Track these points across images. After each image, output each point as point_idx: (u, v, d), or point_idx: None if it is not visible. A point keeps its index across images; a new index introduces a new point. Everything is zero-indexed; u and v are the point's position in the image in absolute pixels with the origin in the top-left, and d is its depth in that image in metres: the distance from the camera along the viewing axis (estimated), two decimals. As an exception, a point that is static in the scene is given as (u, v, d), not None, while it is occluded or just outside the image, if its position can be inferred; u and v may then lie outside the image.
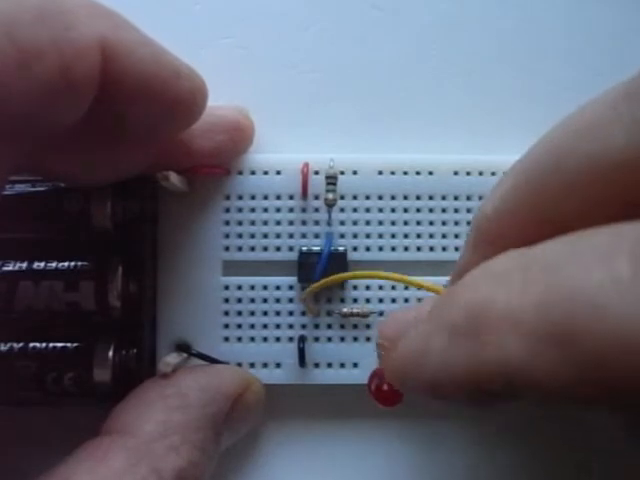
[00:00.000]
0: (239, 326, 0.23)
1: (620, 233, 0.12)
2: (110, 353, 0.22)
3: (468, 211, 0.23)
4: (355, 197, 0.23)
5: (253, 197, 0.23)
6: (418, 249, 0.23)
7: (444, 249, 0.23)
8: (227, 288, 0.23)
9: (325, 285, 0.22)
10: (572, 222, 0.14)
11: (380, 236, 0.23)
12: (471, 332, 0.14)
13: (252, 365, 0.23)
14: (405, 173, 0.23)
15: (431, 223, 0.23)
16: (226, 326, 0.23)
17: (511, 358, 0.13)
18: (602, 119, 0.14)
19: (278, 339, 0.23)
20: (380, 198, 0.23)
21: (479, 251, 0.17)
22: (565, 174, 0.15)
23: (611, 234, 0.13)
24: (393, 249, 0.23)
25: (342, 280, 0.22)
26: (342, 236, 0.23)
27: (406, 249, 0.23)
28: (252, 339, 0.23)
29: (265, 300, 0.23)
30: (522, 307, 0.13)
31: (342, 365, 0.23)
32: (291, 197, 0.23)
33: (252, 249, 0.23)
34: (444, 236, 0.23)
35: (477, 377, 0.14)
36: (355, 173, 0.23)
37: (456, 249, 0.23)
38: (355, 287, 0.23)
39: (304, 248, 0.23)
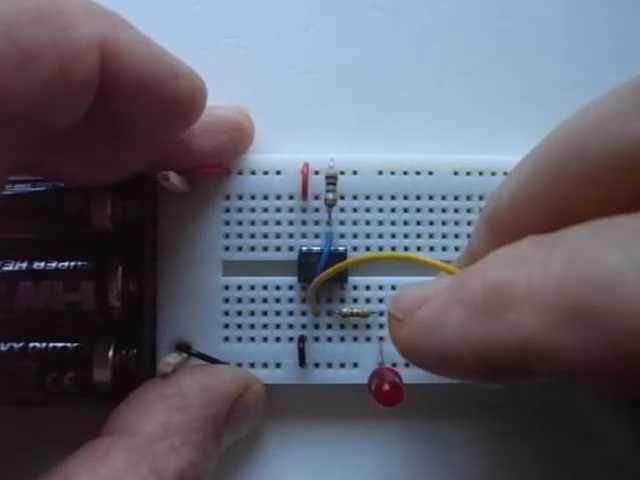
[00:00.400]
0: (239, 326, 0.23)
1: (638, 222, 0.13)
2: (110, 353, 0.22)
3: (468, 211, 0.23)
4: (355, 197, 0.23)
5: (253, 197, 0.23)
6: (418, 249, 0.23)
7: (444, 249, 0.23)
8: (227, 288, 0.23)
9: (327, 277, 0.22)
10: (590, 210, 0.14)
11: (380, 236, 0.23)
12: (492, 307, 0.14)
13: (252, 365, 0.23)
14: (405, 173, 0.23)
15: (431, 223, 0.23)
16: (226, 326, 0.23)
17: (531, 334, 0.13)
18: (625, 107, 0.15)
19: (278, 339, 0.23)
20: (380, 198, 0.23)
21: (493, 239, 0.18)
22: (587, 160, 0.15)
23: (632, 221, 0.13)
24: (393, 249, 0.23)
25: (344, 268, 0.22)
26: (342, 236, 0.23)
27: (406, 249, 0.23)
28: (252, 339, 0.23)
29: (265, 300, 0.23)
30: (543, 286, 0.13)
31: (342, 365, 0.23)
32: (291, 197, 0.23)
33: (252, 249, 0.23)
34: (444, 236, 0.23)
35: (493, 350, 0.14)
36: (355, 173, 0.23)
37: (456, 249, 0.23)
38: (355, 287, 0.23)
39: (304, 248, 0.23)
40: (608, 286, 0.12)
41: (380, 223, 0.23)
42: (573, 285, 0.13)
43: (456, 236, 0.23)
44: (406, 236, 0.23)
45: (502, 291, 0.14)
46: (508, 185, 0.18)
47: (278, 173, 0.23)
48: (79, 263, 0.22)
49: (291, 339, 0.23)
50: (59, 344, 0.22)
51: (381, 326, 0.23)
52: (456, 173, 0.23)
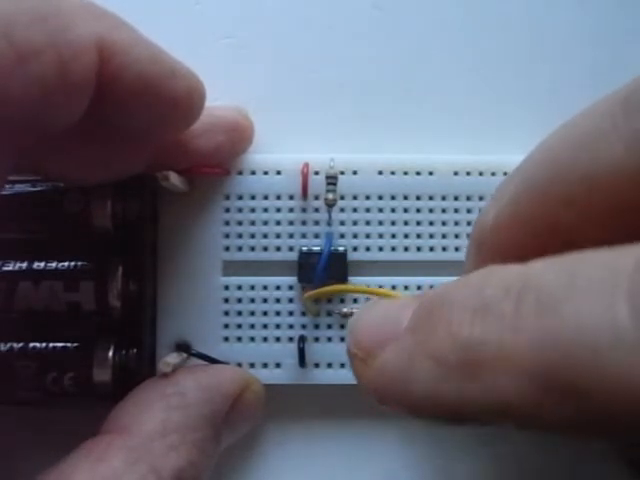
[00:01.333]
0: (239, 326, 0.23)
1: (618, 264, 0.12)
2: (110, 353, 0.22)
3: (468, 211, 0.23)
4: (355, 197, 0.23)
5: (253, 197, 0.23)
6: (418, 249, 0.23)
7: (444, 249, 0.23)
8: (227, 288, 0.23)
9: (323, 294, 0.22)
10: (571, 233, 0.14)
11: (380, 236, 0.23)
12: (464, 368, 0.13)
13: (252, 365, 0.23)
14: (405, 173, 0.23)
15: (431, 223, 0.23)
16: (226, 326, 0.23)
17: (506, 399, 0.13)
18: (600, 129, 0.14)
19: (278, 339, 0.23)
20: (380, 198, 0.23)
21: (481, 262, 0.17)
22: (564, 186, 0.15)
23: (609, 264, 0.12)
24: (393, 249, 0.23)
25: (339, 292, 0.22)
26: (342, 236, 0.23)
27: (406, 249, 0.23)
28: (252, 339, 0.23)
29: (265, 300, 0.23)
30: (516, 347, 0.12)
31: (342, 365, 0.23)
32: (291, 197, 0.23)
33: (252, 249, 0.23)
34: (444, 236, 0.23)
35: (467, 410, 0.14)
36: (355, 173, 0.23)
37: (456, 249, 0.23)
38: (355, 287, 0.23)
39: (304, 248, 0.23)
40: (585, 354, 0.11)
41: (380, 223, 0.23)
42: (546, 351, 0.12)
43: (456, 236, 0.23)
44: (406, 236, 0.23)
45: (473, 353, 0.13)
46: (492, 206, 0.17)
47: (278, 173, 0.23)
48: (79, 263, 0.22)
49: (291, 339, 0.23)
50: (59, 344, 0.22)
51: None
52: (456, 173, 0.23)
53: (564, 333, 0.12)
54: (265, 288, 0.23)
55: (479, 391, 0.13)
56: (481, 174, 0.23)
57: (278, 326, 0.23)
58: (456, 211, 0.23)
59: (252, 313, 0.23)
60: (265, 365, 0.23)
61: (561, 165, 0.15)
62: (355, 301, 0.23)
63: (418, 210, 0.23)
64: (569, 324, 0.12)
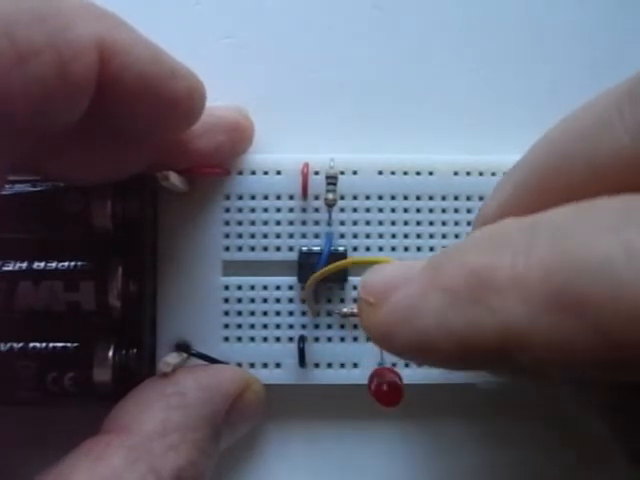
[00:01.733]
0: (239, 326, 0.23)
1: (631, 203, 0.12)
2: (110, 353, 0.22)
3: (468, 211, 0.23)
4: (355, 197, 0.23)
5: (253, 197, 0.23)
6: (418, 249, 0.23)
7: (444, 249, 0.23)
8: (227, 288, 0.23)
9: (323, 275, 0.22)
10: None
11: (380, 236, 0.23)
12: (474, 294, 0.14)
13: (252, 365, 0.23)
14: (405, 173, 0.23)
15: (431, 223, 0.23)
16: (226, 326, 0.23)
17: (514, 322, 0.13)
18: (605, 120, 0.14)
19: (278, 339, 0.23)
20: (380, 198, 0.23)
21: None
22: (568, 176, 0.15)
23: (622, 203, 0.13)
24: (393, 249, 0.23)
25: (342, 268, 0.22)
26: (342, 236, 0.23)
27: (406, 249, 0.23)
28: (252, 339, 0.23)
29: (265, 300, 0.23)
30: (528, 272, 0.13)
31: (342, 365, 0.23)
32: (291, 197, 0.23)
33: (252, 249, 0.23)
34: (444, 236, 0.23)
35: (474, 338, 0.14)
36: (355, 173, 0.23)
37: (456, 249, 0.23)
38: (355, 287, 0.23)
39: (304, 248, 0.23)
40: (597, 272, 0.12)
41: (380, 223, 0.23)
42: (560, 271, 0.12)
43: (456, 236, 0.23)
44: (406, 236, 0.23)
45: (484, 277, 0.14)
46: (495, 196, 0.17)
47: (278, 173, 0.23)
48: (79, 263, 0.22)
49: (291, 339, 0.23)
50: (59, 344, 0.22)
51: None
52: (456, 173, 0.23)
53: (578, 253, 0.12)
54: (265, 288, 0.23)
55: (488, 316, 0.13)
56: (481, 174, 0.23)
57: (278, 326, 0.23)
58: (456, 211, 0.23)
59: (252, 313, 0.23)
60: (265, 365, 0.23)
61: (565, 155, 0.15)
62: (355, 301, 0.23)
63: (418, 210, 0.23)
64: (583, 245, 0.12)
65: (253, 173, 0.23)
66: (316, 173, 0.23)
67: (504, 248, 0.14)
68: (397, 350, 0.16)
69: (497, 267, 0.13)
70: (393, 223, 0.23)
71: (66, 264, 0.22)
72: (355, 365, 0.23)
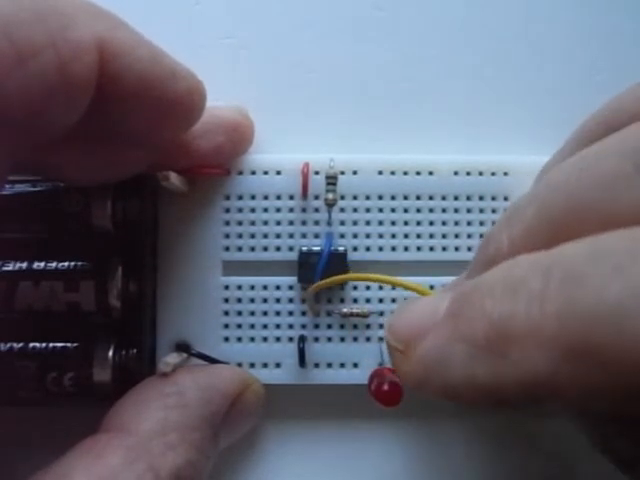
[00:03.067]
0: (239, 326, 0.23)
1: (636, 238, 0.13)
2: (110, 353, 0.22)
3: (468, 211, 0.23)
4: (355, 197, 0.23)
5: (253, 197, 0.23)
6: (418, 249, 0.23)
7: (444, 249, 0.23)
8: (227, 288, 0.23)
9: (327, 285, 0.22)
10: None
11: (380, 236, 0.23)
12: (495, 346, 0.14)
13: (252, 365, 0.23)
14: (405, 173, 0.23)
15: (431, 223, 0.23)
16: (226, 326, 0.23)
17: (536, 372, 0.13)
18: (627, 169, 0.14)
19: (278, 339, 0.23)
20: (380, 198, 0.23)
21: None
22: (581, 222, 0.15)
23: (628, 239, 0.13)
24: (393, 249, 0.23)
25: (344, 281, 0.22)
26: (342, 236, 0.23)
27: (406, 249, 0.23)
28: (252, 339, 0.23)
29: (265, 300, 0.23)
30: (544, 321, 0.13)
31: (342, 365, 0.23)
32: (291, 197, 0.23)
33: (252, 249, 0.23)
34: (444, 236, 0.23)
35: (501, 389, 0.14)
36: (355, 173, 0.23)
37: (456, 249, 0.23)
38: (355, 287, 0.23)
39: (304, 248, 0.23)
40: (609, 321, 0.12)
41: (380, 223, 0.23)
42: (573, 320, 0.13)
43: (456, 236, 0.23)
44: (406, 236, 0.23)
45: (503, 328, 0.14)
46: (506, 230, 0.17)
47: (278, 173, 0.23)
48: (79, 263, 0.22)
49: (291, 339, 0.23)
50: (59, 344, 0.22)
51: (381, 326, 0.23)
52: (456, 173, 0.23)
53: (586, 304, 0.12)
54: (265, 288, 0.23)
55: (511, 368, 0.14)
56: (481, 174, 0.23)
57: (278, 326, 0.23)
58: (456, 211, 0.23)
59: (252, 313, 0.23)
60: (265, 365, 0.23)
61: (581, 203, 0.15)
62: (355, 301, 0.23)
63: (418, 210, 0.23)
64: (591, 294, 0.12)
65: (253, 173, 0.23)
66: (316, 173, 0.23)
67: (519, 295, 0.14)
68: (433, 396, 0.17)
69: (513, 316, 0.14)
70: (393, 223, 0.23)
71: (66, 264, 0.22)
72: (355, 365, 0.23)
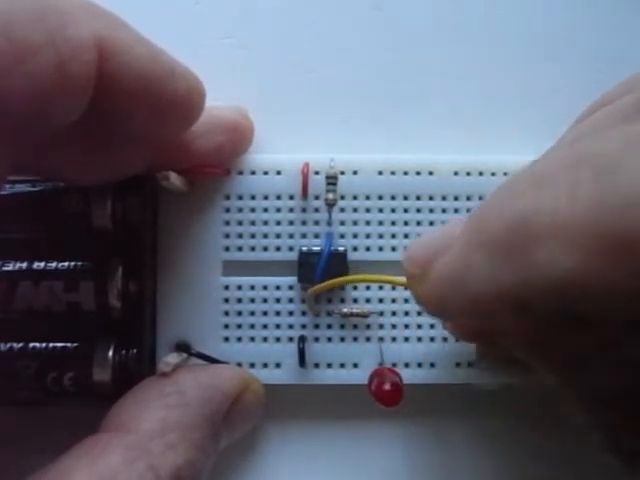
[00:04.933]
0: (239, 326, 0.23)
1: None
2: (110, 353, 0.22)
3: (468, 211, 0.23)
4: (355, 197, 0.23)
5: (253, 197, 0.23)
6: (418, 249, 0.23)
7: (444, 249, 0.23)
8: (227, 288, 0.23)
9: (325, 288, 0.22)
10: None
11: (380, 236, 0.23)
12: (518, 248, 0.13)
13: (252, 365, 0.23)
14: (405, 173, 0.23)
15: (431, 223, 0.23)
16: (226, 326, 0.23)
17: (563, 271, 0.12)
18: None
19: (278, 339, 0.23)
20: (380, 198, 0.23)
21: None
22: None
23: None
24: (393, 249, 0.23)
25: (347, 283, 0.22)
26: (342, 236, 0.23)
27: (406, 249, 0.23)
28: (252, 339, 0.23)
29: (265, 300, 0.23)
30: (573, 215, 0.12)
31: (342, 365, 0.23)
32: (291, 197, 0.23)
33: (252, 249, 0.23)
34: (444, 236, 0.23)
35: (527, 294, 0.13)
36: (355, 173, 0.23)
37: (456, 249, 0.23)
38: (355, 287, 0.23)
39: (304, 248, 0.23)
40: None
41: (380, 223, 0.23)
42: (608, 211, 0.12)
43: (456, 236, 0.23)
44: (406, 236, 0.23)
45: (526, 227, 0.13)
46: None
47: (278, 173, 0.23)
48: (79, 263, 0.22)
49: (291, 339, 0.23)
50: (59, 344, 0.22)
51: (381, 326, 0.23)
52: (456, 173, 0.23)
53: (622, 194, 0.12)
54: (265, 288, 0.23)
55: (537, 267, 0.13)
56: (481, 174, 0.23)
57: (278, 326, 0.23)
58: (456, 211, 0.23)
59: (252, 313, 0.23)
60: (265, 365, 0.23)
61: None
62: (355, 301, 0.23)
63: (418, 210, 0.23)
64: (630, 182, 0.12)
65: (253, 173, 0.23)
66: (316, 173, 0.23)
67: (546, 190, 0.13)
68: (450, 317, 0.16)
69: (538, 212, 0.13)
70: (393, 223, 0.23)
71: (66, 264, 0.22)
72: (355, 365, 0.23)
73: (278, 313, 0.23)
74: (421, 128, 0.24)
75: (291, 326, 0.23)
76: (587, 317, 0.13)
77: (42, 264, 0.22)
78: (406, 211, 0.23)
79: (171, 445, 0.19)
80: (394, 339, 0.23)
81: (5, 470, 0.22)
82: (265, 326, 0.23)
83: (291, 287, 0.23)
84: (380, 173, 0.23)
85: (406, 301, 0.23)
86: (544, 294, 0.13)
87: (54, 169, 0.20)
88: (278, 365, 0.23)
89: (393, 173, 0.23)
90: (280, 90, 0.24)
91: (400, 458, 0.23)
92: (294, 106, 0.24)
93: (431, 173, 0.23)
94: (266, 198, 0.23)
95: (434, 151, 0.23)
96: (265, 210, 0.23)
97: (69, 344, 0.22)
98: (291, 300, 0.23)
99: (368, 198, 0.23)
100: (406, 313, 0.23)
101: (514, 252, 0.13)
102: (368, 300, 0.23)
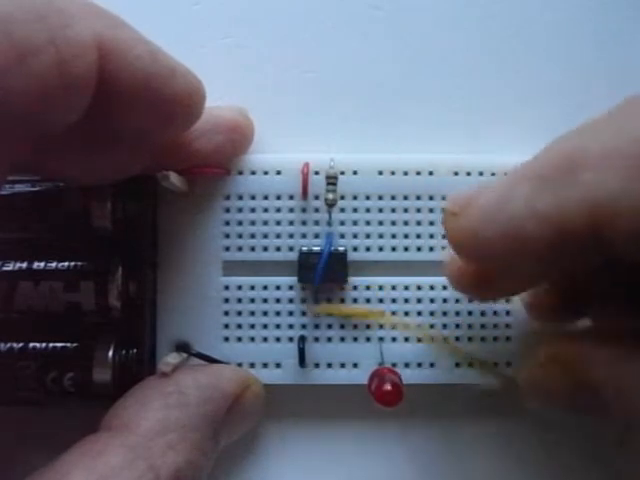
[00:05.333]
0: (239, 326, 0.23)
1: None
2: (110, 353, 0.22)
3: (468, 211, 0.23)
4: (355, 197, 0.23)
5: (253, 197, 0.23)
6: (418, 249, 0.23)
7: (444, 249, 0.23)
8: (227, 288, 0.23)
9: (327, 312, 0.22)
10: None
11: (380, 236, 0.23)
12: (564, 173, 0.14)
13: (252, 365, 0.23)
14: (405, 173, 0.23)
15: (431, 223, 0.23)
16: (226, 326, 0.23)
17: (605, 190, 0.13)
18: None
19: (278, 339, 0.23)
20: (380, 198, 0.23)
21: None
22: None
23: None
24: (393, 249, 0.23)
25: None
26: (342, 236, 0.23)
27: (406, 249, 0.23)
28: (252, 339, 0.23)
29: (265, 300, 0.23)
30: (619, 141, 0.14)
31: (342, 365, 0.23)
32: (291, 197, 0.23)
33: (252, 249, 0.23)
34: (444, 236, 0.23)
35: (565, 218, 0.14)
36: (355, 173, 0.23)
37: (456, 249, 0.23)
38: (355, 287, 0.23)
39: (304, 248, 0.23)
40: None
41: (380, 223, 0.23)
42: None
43: (456, 236, 0.23)
44: (406, 236, 0.23)
45: (574, 156, 0.14)
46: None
47: (278, 173, 0.23)
48: (79, 263, 0.22)
49: (291, 339, 0.23)
50: (59, 344, 0.22)
51: (381, 326, 0.23)
52: (456, 173, 0.23)
53: None
54: (265, 288, 0.23)
55: (580, 193, 0.14)
56: (481, 174, 0.23)
57: (278, 326, 0.23)
58: (456, 211, 0.23)
59: (252, 313, 0.23)
60: (265, 365, 0.23)
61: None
62: (355, 301, 0.23)
63: (418, 210, 0.23)
64: None
65: (253, 173, 0.23)
66: (316, 173, 0.23)
67: (591, 133, 0.14)
68: (485, 247, 0.17)
69: (589, 146, 0.14)
70: (393, 223, 0.23)
71: (66, 264, 0.22)
72: (355, 365, 0.23)
73: (278, 313, 0.23)
74: (421, 128, 0.24)
75: (291, 326, 0.23)
76: (610, 249, 0.14)
77: (42, 264, 0.22)
78: (406, 211, 0.23)
79: (171, 445, 0.19)
80: (394, 339, 0.23)
81: (5, 470, 0.22)
82: (265, 326, 0.23)
83: (291, 287, 0.23)
84: (380, 173, 0.23)
85: (406, 301, 0.23)
86: (579, 216, 0.14)
87: (54, 169, 0.20)
88: (278, 365, 0.23)
89: (393, 173, 0.23)
90: (280, 90, 0.24)
91: (400, 458, 0.23)
92: (294, 106, 0.24)
93: (431, 173, 0.23)
94: (266, 198, 0.23)
95: (434, 151, 0.23)
96: (265, 210, 0.23)
97: (69, 344, 0.22)
98: (291, 300, 0.23)
99: (368, 198, 0.23)
100: (406, 313, 0.23)
101: (559, 177, 0.15)
102: (368, 300, 0.23)
